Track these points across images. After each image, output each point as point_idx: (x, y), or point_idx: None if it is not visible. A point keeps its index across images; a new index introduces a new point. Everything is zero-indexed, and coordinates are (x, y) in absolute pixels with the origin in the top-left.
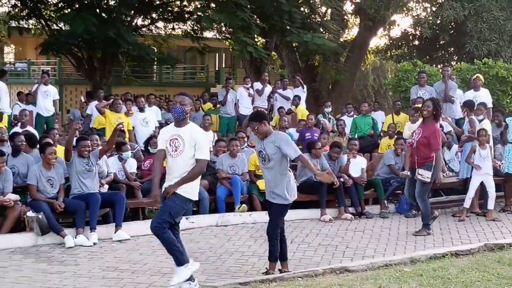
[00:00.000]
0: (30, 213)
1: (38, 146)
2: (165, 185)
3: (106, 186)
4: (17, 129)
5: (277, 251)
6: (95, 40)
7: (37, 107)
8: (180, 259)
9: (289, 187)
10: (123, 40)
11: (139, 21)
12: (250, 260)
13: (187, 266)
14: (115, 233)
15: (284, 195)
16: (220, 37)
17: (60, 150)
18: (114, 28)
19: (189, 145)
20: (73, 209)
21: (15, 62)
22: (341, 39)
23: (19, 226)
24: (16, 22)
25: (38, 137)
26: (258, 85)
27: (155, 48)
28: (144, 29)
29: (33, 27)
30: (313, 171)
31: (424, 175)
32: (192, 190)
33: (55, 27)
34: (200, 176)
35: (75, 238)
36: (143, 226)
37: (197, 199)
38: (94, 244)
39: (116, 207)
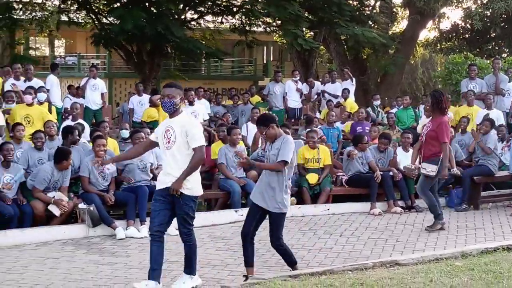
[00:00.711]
0: (82, 205)
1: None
2: (162, 180)
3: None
4: (69, 122)
5: (291, 254)
6: (144, 34)
7: (86, 100)
8: (193, 268)
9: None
10: (171, 34)
11: (187, 15)
12: (299, 253)
13: (192, 278)
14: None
15: (284, 203)
16: (268, 30)
17: (110, 142)
18: (162, 22)
19: (180, 135)
20: (124, 201)
21: (66, 56)
22: (390, 32)
23: (71, 217)
24: (66, 16)
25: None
26: (304, 87)
27: (203, 42)
28: (193, 23)
29: (83, 20)
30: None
31: (428, 168)
32: (196, 186)
33: (104, 20)
34: (199, 170)
35: (126, 230)
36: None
37: (202, 192)
38: (145, 236)
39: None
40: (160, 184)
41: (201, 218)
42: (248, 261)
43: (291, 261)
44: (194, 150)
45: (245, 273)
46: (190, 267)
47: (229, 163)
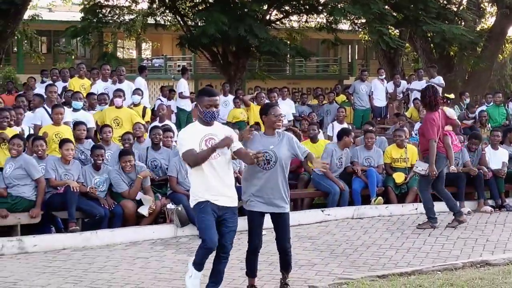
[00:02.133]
0: (170, 205)
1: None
2: (214, 198)
3: None
4: (156, 123)
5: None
6: (228, 37)
7: (183, 102)
8: (200, 265)
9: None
10: (253, 36)
11: (272, 14)
12: (387, 253)
13: (191, 276)
14: None
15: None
16: (353, 29)
17: None
18: (246, 24)
19: None
20: None
21: (152, 58)
22: (478, 29)
23: (160, 218)
24: (153, 19)
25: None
26: (390, 85)
27: (288, 42)
28: (277, 22)
29: (169, 23)
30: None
31: (420, 167)
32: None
33: (190, 23)
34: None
35: None
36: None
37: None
38: None
39: None
40: (218, 199)
41: None
42: (255, 272)
43: (290, 267)
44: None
45: (252, 283)
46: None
47: (333, 162)
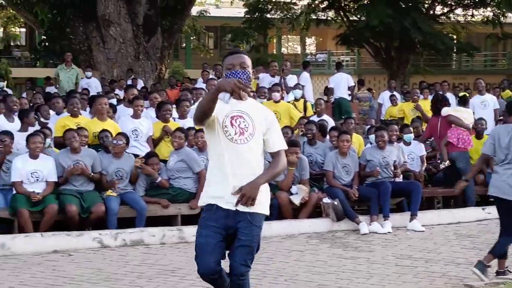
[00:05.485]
0: (326, 200)
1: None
2: (224, 189)
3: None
4: (314, 118)
5: None
6: (391, 31)
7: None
8: None
9: None
10: (417, 30)
11: (437, 9)
12: None
13: None
14: (410, 222)
15: None
16: None
17: (356, 138)
18: (410, 18)
19: (260, 129)
20: (367, 196)
21: (316, 53)
22: None
23: (316, 212)
24: (315, 15)
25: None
26: None
27: (454, 36)
28: (442, 17)
29: (331, 18)
30: None
31: None
32: (268, 202)
33: (352, 18)
34: None
35: (369, 225)
36: (437, 216)
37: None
38: (388, 232)
39: (412, 196)
40: (217, 198)
41: (446, 216)
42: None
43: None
44: (274, 154)
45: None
46: None
47: None
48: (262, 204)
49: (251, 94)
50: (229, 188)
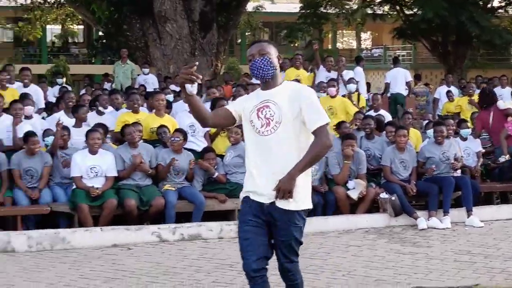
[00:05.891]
0: (384, 195)
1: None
2: (251, 186)
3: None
4: (371, 112)
5: None
6: (447, 24)
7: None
8: None
9: None
10: (474, 24)
11: (495, 2)
12: None
13: None
14: (467, 218)
15: None
16: None
17: (413, 133)
18: (467, 11)
19: (289, 112)
20: (425, 191)
21: (372, 48)
22: None
23: (373, 207)
24: (371, 9)
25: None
26: None
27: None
28: (500, 10)
29: (387, 13)
30: None
31: None
32: (309, 194)
33: (408, 12)
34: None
35: (428, 220)
36: (496, 211)
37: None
38: (447, 227)
39: (462, 191)
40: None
41: (506, 211)
42: None
43: None
44: (314, 133)
45: None
46: None
47: None
48: (299, 200)
49: (199, 78)
50: (260, 180)
